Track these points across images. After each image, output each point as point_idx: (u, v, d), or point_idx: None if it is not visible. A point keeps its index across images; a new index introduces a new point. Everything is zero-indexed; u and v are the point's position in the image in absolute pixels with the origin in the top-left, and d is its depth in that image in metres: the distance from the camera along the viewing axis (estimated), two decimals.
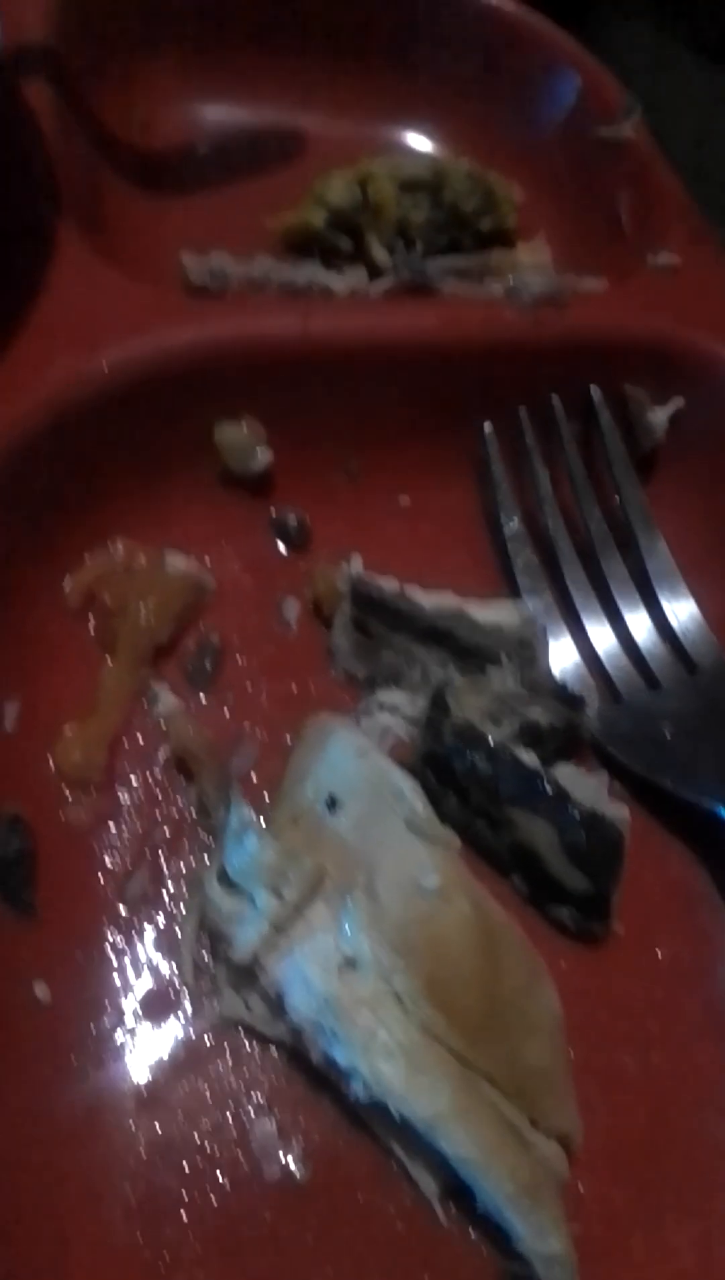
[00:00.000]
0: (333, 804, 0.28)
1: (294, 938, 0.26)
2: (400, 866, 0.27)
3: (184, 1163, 0.25)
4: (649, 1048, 0.29)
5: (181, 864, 0.30)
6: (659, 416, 0.38)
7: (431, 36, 0.48)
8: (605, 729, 0.34)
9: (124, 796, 0.30)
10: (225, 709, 0.33)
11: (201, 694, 0.33)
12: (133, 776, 0.31)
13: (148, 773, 0.31)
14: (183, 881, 0.29)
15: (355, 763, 0.29)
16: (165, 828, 0.30)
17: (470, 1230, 0.26)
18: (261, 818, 0.29)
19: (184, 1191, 0.25)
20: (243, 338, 0.35)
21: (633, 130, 0.44)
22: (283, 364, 0.35)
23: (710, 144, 0.45)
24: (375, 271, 0.42)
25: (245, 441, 0.35)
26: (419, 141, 0.49)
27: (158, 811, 0.30)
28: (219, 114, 0.48)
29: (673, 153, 0.44)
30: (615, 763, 0.33)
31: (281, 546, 0.37)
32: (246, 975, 0.26)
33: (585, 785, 0.31)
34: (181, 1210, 0.25)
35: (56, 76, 0.41)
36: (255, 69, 0.48)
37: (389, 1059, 0.24)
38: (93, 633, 0.33)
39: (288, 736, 0.32)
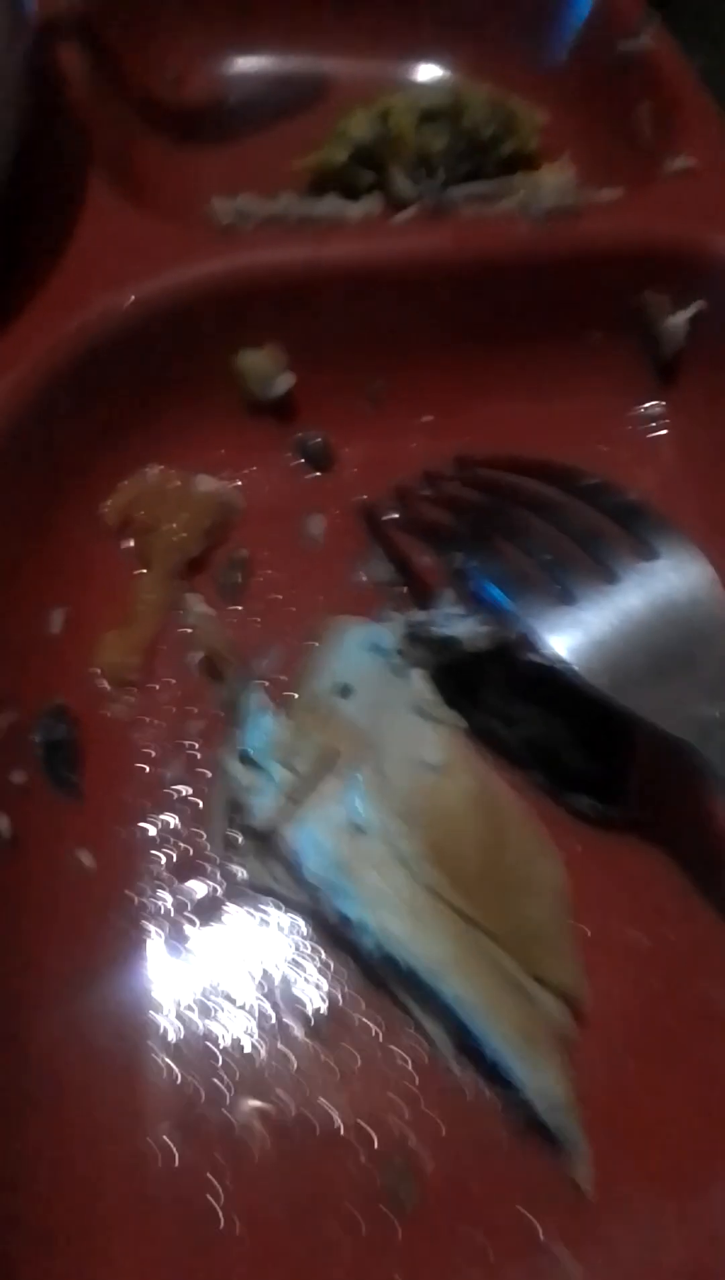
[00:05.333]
0: (345, 692, 0.30)
1: (307, 807, 0.28)
2: (406, 746, 0.29)
3: (215, 1010, 0.28)
4: (661, 923, 0.30)
5: (212, 755, 0.32)
6: (679, 319, 0.38)
7: None
8: (562, 644, 0.28)
9: (160, 695, 0.33)
10: (256, 619, 0.35)
11: (232, 606, 0.35)
12: (168, 678, 0.33)
13: (181, 675, 0.33)
14: (213, 769, 0.32)
15: (367, 655, 0.31)
16: (198, 722, 0.32)
17: (482, 1085, 0.27)
18: (284, 711, 0.31)
19: (218, 1036, 0.28)
20: (257, 267, 0.36)
21: (651, 40, 0.44)
22: (298, 290, 0.37)
23: None
24: (401, 203, 0.43)
25: (266, 368, 0.37)
26: (439, 74, 0.50)
27: (191, 708, 0.33)
28: (246, 66, 0.50)
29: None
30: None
31: (306, 467, 0.38)
32: (267, 844, 0.29)
33: None
34: (215, 1049, 0.27)
35: (89, 41, 0.43)
36: (277, 20, 0.49)
37: (395, 913, 0.26)
38: (132, 549, 0.35)
39: (314, 642, 0.34)
